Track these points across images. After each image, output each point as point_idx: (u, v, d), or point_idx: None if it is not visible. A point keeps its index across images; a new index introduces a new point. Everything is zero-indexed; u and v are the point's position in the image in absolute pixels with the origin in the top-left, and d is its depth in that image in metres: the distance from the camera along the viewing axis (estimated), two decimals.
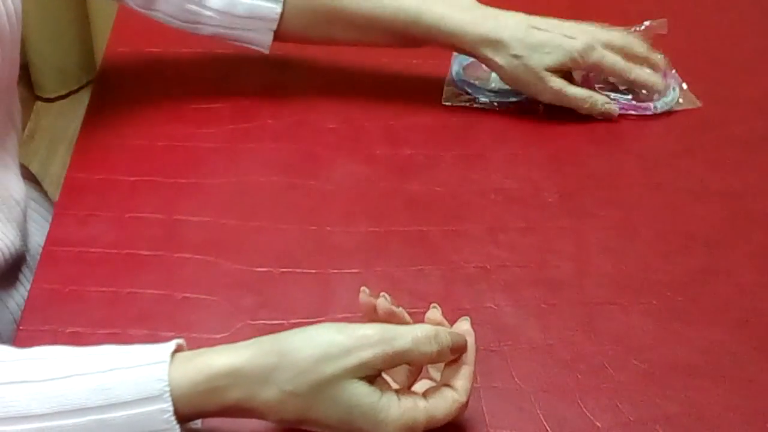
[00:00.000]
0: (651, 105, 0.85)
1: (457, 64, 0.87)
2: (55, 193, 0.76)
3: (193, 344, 0.62)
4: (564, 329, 0.66)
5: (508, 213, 0.75)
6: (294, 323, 0.64)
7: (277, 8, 0.78)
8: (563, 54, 0.77)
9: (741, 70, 0.95)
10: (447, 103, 0.85)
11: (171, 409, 0.50)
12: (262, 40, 0.80)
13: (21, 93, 0.73)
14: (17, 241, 0.69)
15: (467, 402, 0.55)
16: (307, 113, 0.84)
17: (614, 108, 0.83)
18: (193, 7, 0.77)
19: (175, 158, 0.78)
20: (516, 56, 0.77)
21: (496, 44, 0.77)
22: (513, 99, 0.84)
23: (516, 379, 0.62)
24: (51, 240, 0.70)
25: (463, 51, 0.80)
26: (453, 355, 0.55)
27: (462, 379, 0.55)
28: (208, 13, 0.78)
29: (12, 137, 0.72)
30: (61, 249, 0.69)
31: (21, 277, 0.71)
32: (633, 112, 0.85)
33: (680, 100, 0.87)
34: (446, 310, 0.66)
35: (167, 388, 0.50)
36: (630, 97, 0.85)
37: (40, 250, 0.75)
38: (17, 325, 0.70)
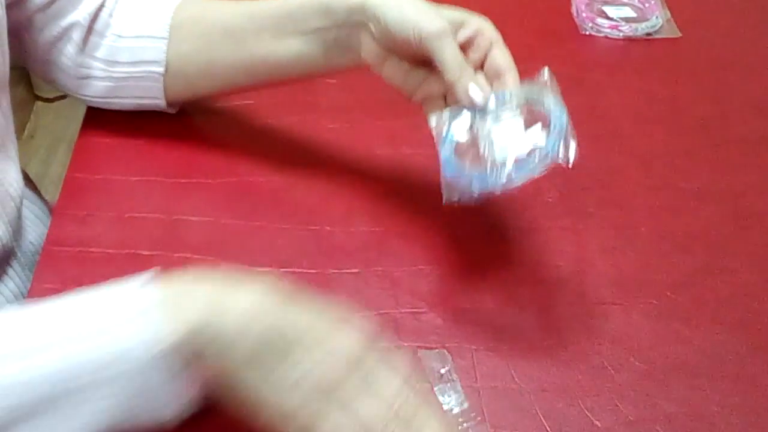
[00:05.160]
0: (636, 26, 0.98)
1: (447, 149, 0.64)
2: (55, 193, 0.76)
3: None
4: (564, 329, 0.66)
5: (508, 213, 0.75)
6: None
7: (162, 46, 0.75)
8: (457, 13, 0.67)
9: (741, 70, 0.95)
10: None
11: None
12: (155, 90, 0.77)
13: (21, 93, 0.73)
14: (6, 237, 0.69)
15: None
16: (307, 113, 0.84)
17: (479, 98, 0.63)
18: (85, 59, 0.76)
19: (175, 158, 0.78)
20: None
21: None
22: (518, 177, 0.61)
23: (516, 379, 0.62)
24: (51, 240, 0.70)
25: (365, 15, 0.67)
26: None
27: None
28: (97, 63, 0.76)
29: (13, 129, 0.73)
30: (60, 249, 0.69)
31: (10, 271, 0.71)
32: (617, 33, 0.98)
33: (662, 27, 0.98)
34: (446, 309, 0.67)
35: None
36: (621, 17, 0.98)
37: (32, 247, 0.75)
38: None
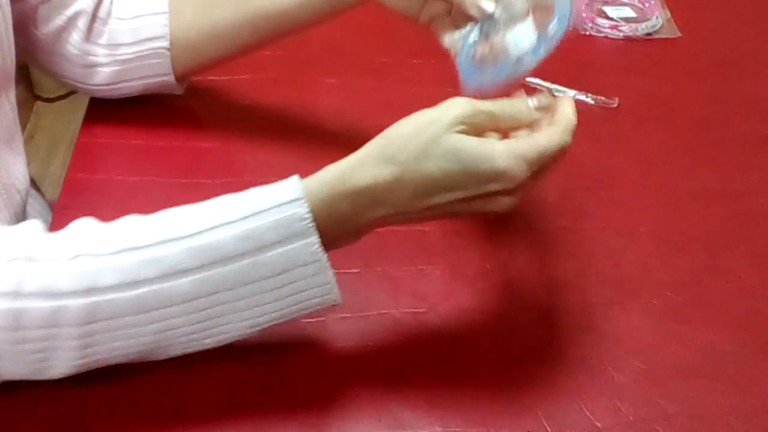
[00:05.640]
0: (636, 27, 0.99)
1: (464, 56, 0.70)
2: (55, 194, 0.76)
3: None
4: (564, 329, 0.66)
5: (509, 213, 0.74)
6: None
7: (163, 20, 0.76)
8: None
9: (741, 70, 0.95)
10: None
11: (317, 241, 0.54)
12: (163, 66, 0.77)
13: (21, 93, 0.73)
14: None
15: (569, 140, 0.58)
16: (308, 114, 0.84)
17: (489, 6, 0.67)
18: (91, 47, 0.76)
19: (175, 158, 0.78)
20: None
21: None
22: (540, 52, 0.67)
23: (516, 379, 0.62)
24: None
25: None
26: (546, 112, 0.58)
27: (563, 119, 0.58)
28: (101, 50, 0.76)
29: (19, 124, 0.73)
30: None
31: None
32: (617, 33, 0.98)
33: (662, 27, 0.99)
34: (446, 310, 0.67)
35: (311, 224, 0.54)
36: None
37: None
38: None
